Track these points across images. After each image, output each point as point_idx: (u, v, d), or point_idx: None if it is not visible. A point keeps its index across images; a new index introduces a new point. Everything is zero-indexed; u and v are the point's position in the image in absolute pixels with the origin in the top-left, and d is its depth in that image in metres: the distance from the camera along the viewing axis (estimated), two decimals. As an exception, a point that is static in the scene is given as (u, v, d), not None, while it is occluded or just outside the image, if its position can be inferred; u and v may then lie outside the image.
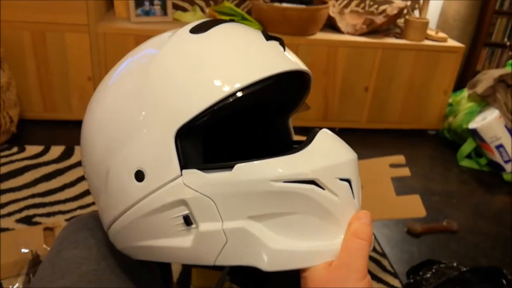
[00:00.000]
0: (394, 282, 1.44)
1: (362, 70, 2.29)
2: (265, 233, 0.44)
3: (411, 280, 1.37)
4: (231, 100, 0.43)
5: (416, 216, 1.28)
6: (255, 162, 0.43)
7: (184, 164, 0.44)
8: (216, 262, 0.45)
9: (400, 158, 1.39)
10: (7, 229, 1.48)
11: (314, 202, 0.44)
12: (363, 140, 2.37)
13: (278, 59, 0.47)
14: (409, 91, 2.39)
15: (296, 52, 2.16)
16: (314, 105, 2.32)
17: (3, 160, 1.87)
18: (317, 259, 0.44)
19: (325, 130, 0.47)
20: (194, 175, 0.44)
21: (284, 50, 0.49)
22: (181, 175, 0.44)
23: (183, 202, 0.44)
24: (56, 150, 1.96)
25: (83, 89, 2.14)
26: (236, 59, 0.46)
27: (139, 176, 0.45)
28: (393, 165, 1.38)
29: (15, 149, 1.95)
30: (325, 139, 0.46)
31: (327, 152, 0.45)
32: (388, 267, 1.50)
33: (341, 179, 0.45)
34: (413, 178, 1.96)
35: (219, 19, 0.50)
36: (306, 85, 0.54)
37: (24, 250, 1.30)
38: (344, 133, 2.03)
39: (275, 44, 0.49)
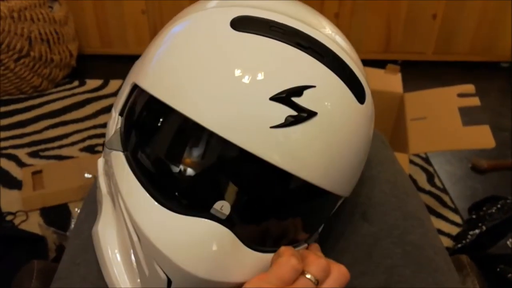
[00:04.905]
0: (455, 217, 1.37)
1: (430, -5, 2.10)
2: None
3: (473, 216, 1.30)
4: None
5: (484, 147, 1.19)
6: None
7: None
8: None
9: (469, 87, 1.28)
10: (71, 157, 1.55)
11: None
12: (428, 73, 2.21)
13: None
14: (481, 19, 2.16)
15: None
16: (375, 35, 2.18)
17: (66, 93, 1.94)
18: None
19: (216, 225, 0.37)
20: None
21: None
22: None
23: None
24: (115, 84, 2.00)
25: (137, 23, 2.13)
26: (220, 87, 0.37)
27: None
28: (461, 95, 1.28)
29: (76, 83, 2.01)
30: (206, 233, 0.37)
31: (176, 236, 0.37)
32: (449, 203, 1.43)
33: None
34: (481, 113, 1.81)
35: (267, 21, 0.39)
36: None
37: (87, 175, 1.36)
38: (407, 67, 1.89)
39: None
